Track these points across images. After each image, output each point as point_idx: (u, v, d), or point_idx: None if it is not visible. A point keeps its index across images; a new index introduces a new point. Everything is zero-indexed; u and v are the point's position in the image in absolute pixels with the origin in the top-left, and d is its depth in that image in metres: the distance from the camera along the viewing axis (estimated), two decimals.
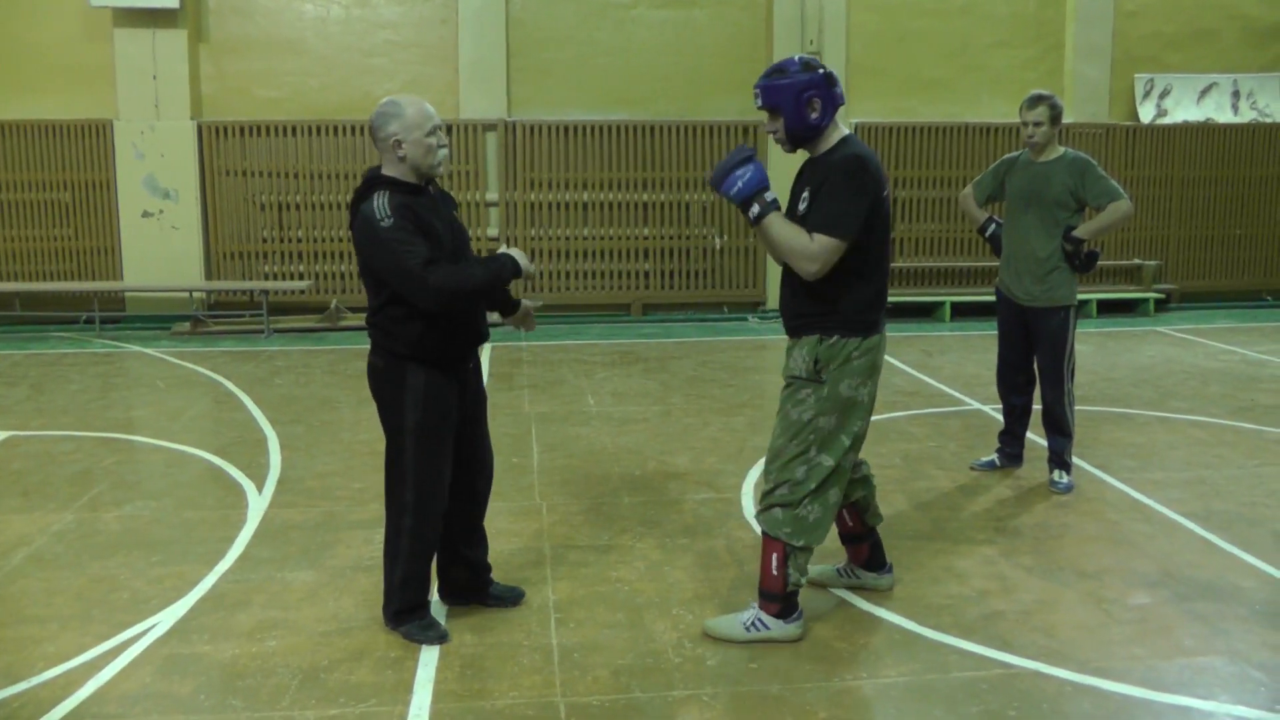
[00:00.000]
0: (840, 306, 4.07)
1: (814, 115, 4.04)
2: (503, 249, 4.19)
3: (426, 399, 4.12)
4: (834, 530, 4.63)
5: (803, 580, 4.22)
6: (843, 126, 4.16)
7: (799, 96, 4.01)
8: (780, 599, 4.20)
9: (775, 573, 4.18)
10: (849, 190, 3.96)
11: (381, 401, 4.22)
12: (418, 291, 3.92)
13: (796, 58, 4.13)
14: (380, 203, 3.96)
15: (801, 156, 4.27)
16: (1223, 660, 4.09)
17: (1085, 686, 3.89)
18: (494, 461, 4.61)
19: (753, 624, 4.22)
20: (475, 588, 4.57)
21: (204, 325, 12.31)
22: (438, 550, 4.38)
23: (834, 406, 4.09)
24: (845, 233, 3.94)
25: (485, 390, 4.52)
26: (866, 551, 4.74)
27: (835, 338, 4.07)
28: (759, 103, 4.11)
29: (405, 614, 4.29)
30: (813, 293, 4.08)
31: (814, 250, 3.95)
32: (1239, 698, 3.81)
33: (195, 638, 4.29)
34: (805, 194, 4.08)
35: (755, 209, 4.03)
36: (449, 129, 13.12)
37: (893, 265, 13.83)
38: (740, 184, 4.03)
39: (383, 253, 3.94)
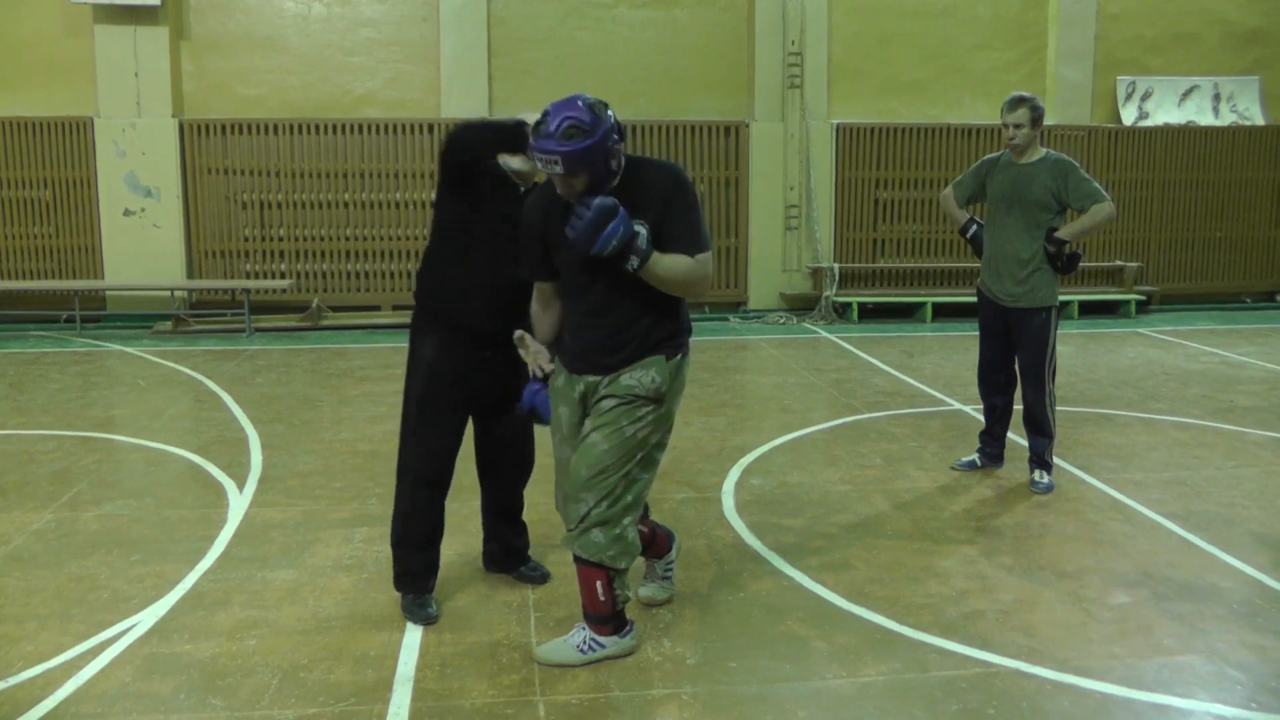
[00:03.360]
0: (681, 325, 4.03)
1: (615, 162, 3.71)
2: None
3: (433, 366, 4.41)
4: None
5: (630, 594, 4.12)
6: None
7: (606, 152, 3.64)
8: (611, 619, 4.05)
9: (603, 598, 4.00)
10: (696, 203, 3.88)
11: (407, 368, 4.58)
12: None
13: (580, 102, 3.64)
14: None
15: None
16: (1201, 659, 4.11)
17: (1064, 685, 3.91)
18: (528, 459, 4.82)
19: (587, 646, 4.05)
20: (508, 565, 4.89)
21: (185, 324, 12.26)
22: (483, 524, 4.89)
23: (665, 424, 4.01)
24: (711, 244, 3.91)
25: (519, 386, 4.48)
26: (664, 539, 4.59)
27: (679, 357, 3.99)
28: (558, 169, 3.61)
29: (404, 579, 4.51)
30: (663, 314, 3.93)
31: (703, 272, 3.85)
32: (1217, 696, 3.83)
33: (175, 637, 4.27)
34: (639, 228, 3.69)
35: (632, 262, 3.69)
36: (430, 128, 13.11)
37: (875, 266, 13.96)
38: (615, 243, 3.62)
39: None
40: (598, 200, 3.62)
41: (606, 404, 3.94)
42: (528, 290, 4.24)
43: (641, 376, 3.91)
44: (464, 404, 4.51)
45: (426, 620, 4.39)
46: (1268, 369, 10.03)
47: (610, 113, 3.69)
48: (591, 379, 3.99)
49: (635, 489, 3.97)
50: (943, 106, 14.21)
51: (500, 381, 4.50)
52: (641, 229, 3.70)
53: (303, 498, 6.07)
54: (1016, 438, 6.76)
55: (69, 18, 12.60)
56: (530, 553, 4.93)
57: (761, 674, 3.99)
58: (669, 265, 3.78)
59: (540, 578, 4.83)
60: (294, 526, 5.58)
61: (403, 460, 4.51)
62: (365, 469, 6.60)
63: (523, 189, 4.37)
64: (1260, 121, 14.68)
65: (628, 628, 4.13)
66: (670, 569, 4.65)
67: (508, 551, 4.88)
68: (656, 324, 3.94)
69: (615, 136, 3.67)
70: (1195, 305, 14.69)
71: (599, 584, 3.99)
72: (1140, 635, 4.33)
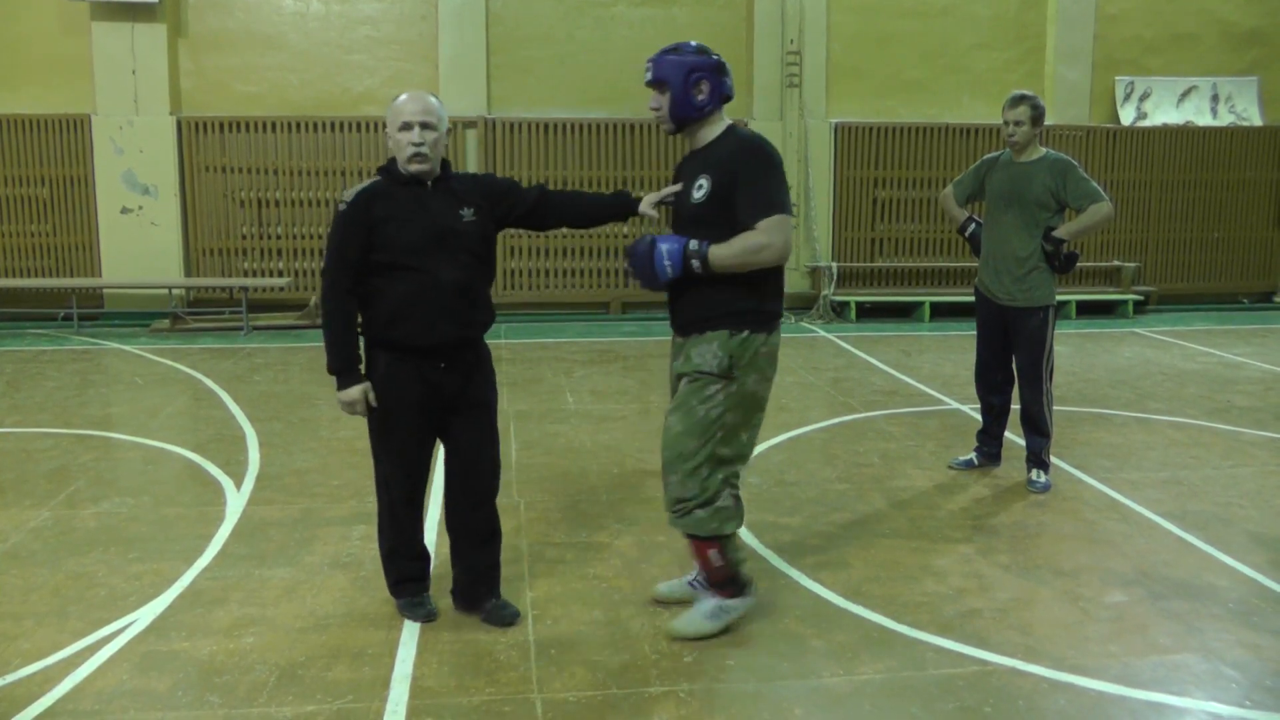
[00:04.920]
0: (752, 301, 4.04)
1: (700, 97, 4.08)
2: (352, 388, 4.16)
3: (385, 386, 4.20)
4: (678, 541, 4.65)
5: (744, 555, 4.31)
6: (727, 119, 4.21)
7: (688, 75, 4.05)
8: (733, 581, 4.23)
9: (720, 564, 4.17)
10: (773, 172, 4.00)
11: None
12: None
13: (693, 43, 4.18)
14: (359, 185, 4.22)
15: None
16: (1197, 658, 4.12)
17: (1061, 683, 3.92)
18: (494, 470, 4.39)
19: (719, 612, 4.24)
20: (474, 596, 4.45)
21: (183, 322, 12.25)
22: (451, 554, 4.52)
23: (741, 403, 4.06)
24: (786, 208, 3.98)
25: (483, 396, 4.34)
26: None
27: (746, 333, 4.03)
28: (649, 77, 4.15)
29: (400, 585, 4.47)
30: (724, 289, 4.01)
31: (765, 239, 3.90)
32: (1212, 694, 3.84)
33: (173, 634, 4.27)
34: (702, 181, 4.05)
35: (695, 264, 3.95)
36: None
37: (873, 265, 13.96)
38: (669, 263, 3.98)
39: (330, 231, 4.22)
40: (629, 249, 4.10)
41: (681, 384, 4.14)
42: (470, 294, 4.17)
43: (704, 351, 4.06)
44: (426, 418, 4.25)
45: (425, 618, 4.39)
46: (1264, 369, 10.04)
47: (714, 59, 4.12)
48: (678, 340, 4.24)
49: (725, 468, 4.09)
50: (941, 106, 14.21)
51: (461, 390, 4.26)
52: (693, 242, 3.95)
53: (300, 495, 6.07)
54: (1014, 437, 6.77)
55: (66, 15, 12.58)
56: (528, 551, 4.92)
57: (759, 672, 4.00)
58: (730, 252, 3.93)
59: (511, 617, 4.39)
60: (291, 524, 5.58)
61: (377, 478, 4.41)
62: (363, 467, 6.58)
63: (429, 181, 4.21)
64: (1258, 122, 14.69)
65: (750, 586, 4.30)
66: (703, 584, 4.49)
67: (474, 579, 4.45)
68: (716, 294, 4.03)
69: (704, 75, 4.07)
70: (1192, 305, 14.69)
71: (712, 553, 4.16)
72: (1136, 634, 4.34)
